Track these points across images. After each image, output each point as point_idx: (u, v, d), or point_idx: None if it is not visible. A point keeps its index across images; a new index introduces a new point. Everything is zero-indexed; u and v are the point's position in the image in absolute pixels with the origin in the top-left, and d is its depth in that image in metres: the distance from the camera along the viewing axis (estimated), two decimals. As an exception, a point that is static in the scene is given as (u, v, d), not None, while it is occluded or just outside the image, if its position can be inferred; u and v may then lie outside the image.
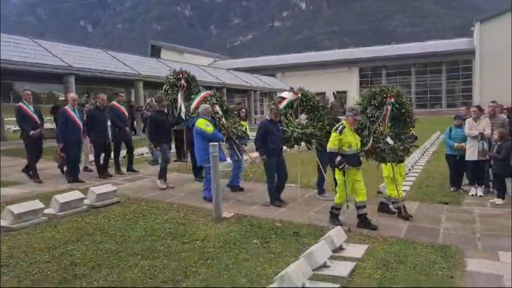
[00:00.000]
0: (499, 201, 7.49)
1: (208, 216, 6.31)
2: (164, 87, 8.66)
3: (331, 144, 6.00)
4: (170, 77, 8.63)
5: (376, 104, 6.30)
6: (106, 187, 6.92)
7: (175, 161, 11.93)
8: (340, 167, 5.95)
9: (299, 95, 7.68)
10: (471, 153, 8.11)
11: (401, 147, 6.34)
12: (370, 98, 6.37)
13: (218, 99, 8.30)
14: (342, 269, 4.53)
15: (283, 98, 7.71)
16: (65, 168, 9.27)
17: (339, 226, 5.60)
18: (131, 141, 10.11)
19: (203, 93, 8.36)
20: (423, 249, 5.14)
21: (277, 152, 7.21)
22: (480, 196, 8.04)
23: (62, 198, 6.17)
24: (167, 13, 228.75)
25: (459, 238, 5.65)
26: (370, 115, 6.26)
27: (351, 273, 4.42)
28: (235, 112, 8.56)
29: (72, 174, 8.71)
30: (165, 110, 8.50)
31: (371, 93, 6.41)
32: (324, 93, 41.09)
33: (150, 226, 5.78)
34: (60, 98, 30.70)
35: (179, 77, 8.58)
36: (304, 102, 7.70)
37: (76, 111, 8.74)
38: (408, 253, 5.00)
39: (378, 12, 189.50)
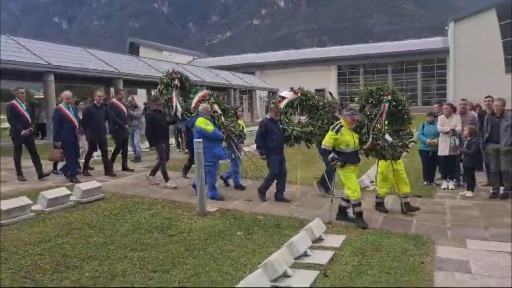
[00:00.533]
0: (468, 193, 7.92)
1: (193, 211, 6.52)
2: (158, 87, 8.75)
3: (326, 142, 6.18)
4: (164, 77, 8.73)
5: (374, 102, 6.45)
6: (91, 184, 7.05)
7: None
8: (332, 163, 6.14)
9: (299, 94, 7.81)
10: (443, 149, 8.52)
11: (400, 144, 6.49)
12: (368, 96, 6.51)
13: (216, 98, 8.40)
14: (322, 257, 4.81)
15: (283, 98, 7.84)
16: (59, 166, 9.27)
17: (318, 218, 5.89)
18: (127, 140, 10.17)
19: (201, 92, 8.47)
20: (397, 239, 5.47)
21: (278, 151, 7.35)
22: (451, 189, 8.47)
23: (49, 194, 6.28)
24: (145, 10, 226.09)
25: (431, 228, 6.02)
26: (369, 113, 6.40)
27: (330, 261, 4.71)
28: (232, 111, 8.67)
29: (70, 172, 8.66)
30: (162, 109, 8.53)
31: (368, 92, 6.55)
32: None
33: (137, 220, 5.96)
34: (35, 96, 30.19)
35: (172, 77, 8.67)
36: (304, 102, 7.84)
37: (71, 109, 8.70)
38: (383, 242, 5.33)
39: (356, 10, 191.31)
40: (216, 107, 7.98)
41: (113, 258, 4.62)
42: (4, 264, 4.30)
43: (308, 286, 4.04)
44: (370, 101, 6.46)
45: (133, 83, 22.17)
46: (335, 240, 5.45)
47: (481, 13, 51.49)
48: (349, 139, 6.14)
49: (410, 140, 6.76)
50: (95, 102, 9.40)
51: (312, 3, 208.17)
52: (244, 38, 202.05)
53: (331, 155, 6.10)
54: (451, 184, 8.59)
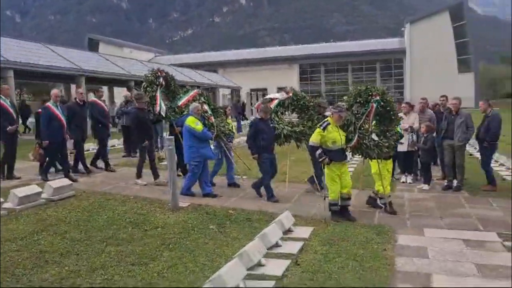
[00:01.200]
0: (425, 186, 8.46)
1: (165, 206, 6.66)
2: (142, 84, 8.73)
3: (313, 138, 6.31)
4: (149, 75, 8.70)
5: (362, 102, 6.56)
6: (61, 181, 7.06)
7: (124, 156, 12.03)
8: (320, 160, 6.31)
9: (291, 94, 7.92)
10: (402, 145, 9.01)
11: (386, 144, 6.57)
12: (356, 96, 6.63)
13: (206, 98, 8.45)
14: (292, 247, 5.11)
15: (275, 97, 7.94)
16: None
17: (287, 211, 6.17)
18: (108, 138, 10.05)
19: (192, 92, 8.54)
20: (361, 229, 5.83)
21: (268, 149, 7.44)
22: (410, 183, 8.98)
23: (21, 192, 6.26)
24: (102, 5, 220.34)
25: (392, 218, 6.43)
26: (356, 112, 6.53)
27: (300, 250, 5.01)
28: (222, 111, 8.72)
29: (64, 172, 8.55)
30: (145, 108, 8.47)
31: (357, 91, 6.65)
32: (266, 89, 41.92)
33: (111, 216, 6.06)
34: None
35: (157, 75, 8.67)
36: (295, 102, 7.95)
37: (59, 107, 8.48)
38: (348, 233, 5.67)
39: (316, 10, 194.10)
40: (206, 107, 8.05)
41: (91, 253, 4.74)
42: (-19, 261, 4.33)
43: (281, 274, 4.32)
44: (358, 101, 6.59)
45: (95, 81, 21.74)
46: (304, 231, 5.75)
47: (435, 15, 53.78)
48: (335, 136, 6.26)
49: (397, 141, 6.89)
50: (77, 99, 9.20)
51: (273, 2, 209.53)
52: (206, 35, 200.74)
53: (319, 151, 6.23)
54: (409, 179, 9.10)
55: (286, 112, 8.02)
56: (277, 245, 5.13)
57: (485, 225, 6.05)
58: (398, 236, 5.61)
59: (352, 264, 4.56)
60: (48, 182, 7.01)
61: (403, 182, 9.07)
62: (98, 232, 5.38)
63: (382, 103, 6.55)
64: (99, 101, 10.00)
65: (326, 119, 6.44)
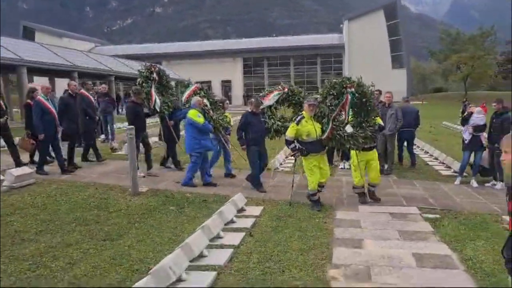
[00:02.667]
0: (344, 165, 9.49)
1: (125, 192, 7.12)
2: (138, 80, 8.88)
3: (288, 133, 6.60)
4: (143, 70, 8.87)
5: (335, 94, 6.66)
6: (23, 169, 7.30)
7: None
8: (293, 153, 6.72)
9: (286, 89, 7.94)
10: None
11: (362, 134, 6.69)
12: (330, 88, 6.74)
13: (206, 92, 8.68)
14: (246, 222, 5.82)
15: (270, 92, 8.00)
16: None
17: (240, 193, 6.87)
18: (94, 131, 10.04)
19: (192, 87, 8.77)
20: (305, 207, 6.63)
21: (257, 142, 7.71)
22: (347, 168, 9.96)
23: (-17, 180, 6.48)
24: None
25: (331, 198, 7.30)
26: (329, 104, 6.64)
27: (253, 225, 5.72)
28: (220, 104, 8.95)
29: (65, 163, 8.59)
30: (143, 102, 8.72)
31: (331, 84, 6.77)
32: (210, 82, 42.22)
33: (75, 201, 6.46)
34: None
35: (151, 70, 8.87)
36: (290, 97, 7.99)
37: (50, 100, 8.51)
38: (294, 210, 6.46)
39: (259, 3, 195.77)
40: (205, 101, 8.28)
41: (63, 232, 5.17)
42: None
43: (238, 243, 5.01)
44: (331, 93, 6.71)
45: (37, 72, 21.16)
46: (255, 210, 6.47)
47: (371, 13, 56.52)
48: (310, 129, 6.50)
49: (374, 131, 6.94)
50: (70, 92, 9.12)
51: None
52: (147, 26, 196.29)
53: (292, 145, 6.57)
54: (346, 165, 10.10)
55: (281, 107, 8.03)
56: (232, 221, 5.81)
57: (408, 201, 7.10)
58: (337, 212, 6.47)
59: (298, 234, 5.33)
60: (8, 170, 7.21)
61: (341, 168, 10.08)
62: (65, 215, 5.79)
63: (357, 95, 6.67)
64: (87, 94, 9.97)
65: (301, 113, 6.72)
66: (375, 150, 7.33)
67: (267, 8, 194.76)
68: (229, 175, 8.88)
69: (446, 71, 58.00)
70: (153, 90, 8.81)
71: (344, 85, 6.61)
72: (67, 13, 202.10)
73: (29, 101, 8.96)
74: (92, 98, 10.38)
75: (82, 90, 9.89)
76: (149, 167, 8.81)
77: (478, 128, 8.54)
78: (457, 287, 3.95)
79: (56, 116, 8.41)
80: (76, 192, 6.93)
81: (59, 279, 3.90)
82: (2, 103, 8.51)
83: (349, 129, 6.65)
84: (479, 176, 8.86)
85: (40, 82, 34.16)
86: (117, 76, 27.72)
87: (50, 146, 8.75)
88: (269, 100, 7.77)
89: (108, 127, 13.37)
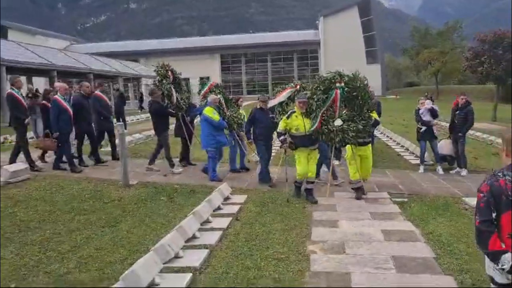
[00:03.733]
0: (336, 162, 10.07)
1: (116, 184, 7.55)
2: (156, 79, 9.09)
3: (279, 126, 6.99)
4: (159, 70, 9.06)
5: (323, 89, 6.81)
6: (17, 165, 7.64)
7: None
8: (282, 144, 7.08)
9: (298, 87, 8.22)
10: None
11: (353, 128, 6.71)
12: (320, 84, 6.91)
13: (221, 90, 8.94)
14: (232, 209, 6.35)
15: (284, 89, 8.33)
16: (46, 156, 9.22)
17: (225, 183, 7.40)
18: (113, 130, 10.14)
19: (209, 84, 9.05)
20: (285, 194, 7.18)
21: (264, 138, 8.08)
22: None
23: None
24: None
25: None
26: (317, 99, 6.82)
27: (239, 211, 6.25)
28: (235, 102, 9.18)
29: (69, 162, 8.71)
30: (161, 101, 8.93)
31: (321, 80, 6.94)
32: (188, 79, 42.28)
33: (71, 193, 6.87)
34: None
35: (166, 69, 9.06)
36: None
37: (66, 99, 8.64)
38: (276, 197, 7.01)
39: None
40: (221, 98, 8.51)
41: (64, 221, 5.61)
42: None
43: (226, 226, 5.54)
44: (319, 88, 6.87)
45: (15, 70, 21.01)
46: (240, 198, 7.01)
47: (345, 10, 57.64)
48: (299, 123, 6.78)
49: (367, 125, 6.93)
50: (82, 92, 9.25)
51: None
52: (121, 22, 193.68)
53: (282, 137, 6.91)
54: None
55: (292, 104, 8.01)
56: (219, 208, 6.34)
57: (380, 188, 7.76)
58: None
59: (280, 217, 5.91)
60: (4, 166, 7.54)
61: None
62: (63, 205, 6.21)
63: (347, 89, 6.75)
64: (102, 95, 10.00)
65: (292, 109, 7.07)
66: (369, 145, 7.54)
67: (244, 4, 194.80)
68: (243, 169, 9.21)
69: (418, 66, 59.33)
70: (172, 89, 9.00)
71: (334, 80, 6.75)
72: (39, 10, 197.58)
73: (44, 102, 9.20)
74: (107, 99, 10.35)
75: (98, 92, 9.90)
76: (171, 165, 8.86)
77: (425, 123, 9.42)
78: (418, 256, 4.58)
79: (72, 115, 8.58)
80: (70, 185, 7.33)
81: (68, 260, 4.36)
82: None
83: (337, 122, 6.73)
84: (447, 165, 9.63)
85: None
86: (96, 74, 27.76)
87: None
88: (282, 97, 8.00)
89: None
